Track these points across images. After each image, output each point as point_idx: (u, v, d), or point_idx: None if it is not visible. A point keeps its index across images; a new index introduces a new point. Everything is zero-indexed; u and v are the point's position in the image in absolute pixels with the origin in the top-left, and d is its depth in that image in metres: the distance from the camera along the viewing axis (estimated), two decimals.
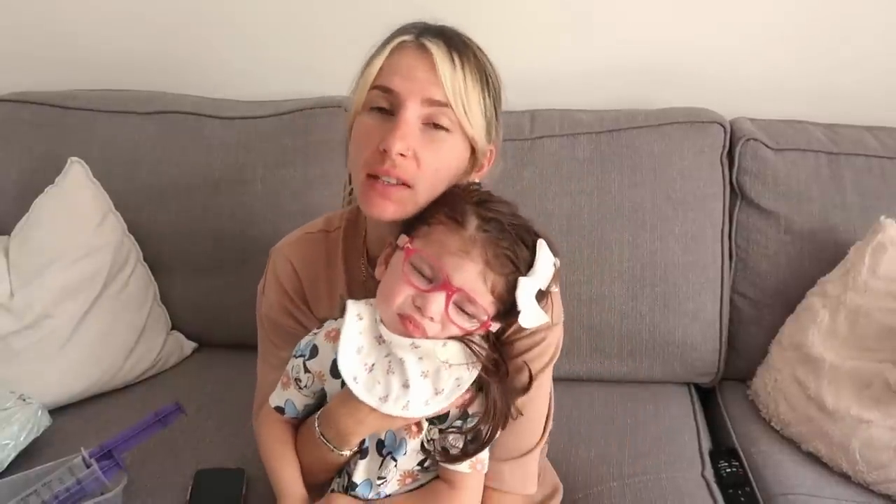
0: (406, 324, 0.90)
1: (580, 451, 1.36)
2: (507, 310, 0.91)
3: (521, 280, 0.89)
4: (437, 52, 0.90)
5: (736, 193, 1.55)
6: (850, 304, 1.38)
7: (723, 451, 1.39)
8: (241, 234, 1.55)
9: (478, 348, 0.92)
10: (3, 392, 1.32)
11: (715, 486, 1.29)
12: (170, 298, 1.62)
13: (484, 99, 0.94)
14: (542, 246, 0.91)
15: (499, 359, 0.94)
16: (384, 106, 0.91)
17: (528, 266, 0.90)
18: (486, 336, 0.95)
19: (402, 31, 0.94)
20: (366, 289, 1.03)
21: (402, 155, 0.89)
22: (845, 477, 1.29)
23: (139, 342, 1.53)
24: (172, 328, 1.63)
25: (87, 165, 1.54)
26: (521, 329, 0.96)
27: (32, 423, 1.29)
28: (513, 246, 0.89)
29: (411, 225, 0.93)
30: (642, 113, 1.57)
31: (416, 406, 0.90)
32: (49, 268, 1.45)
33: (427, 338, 0.90)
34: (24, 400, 1.31)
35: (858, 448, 1.27)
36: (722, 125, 1.54)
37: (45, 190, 1.52)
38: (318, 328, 1.00)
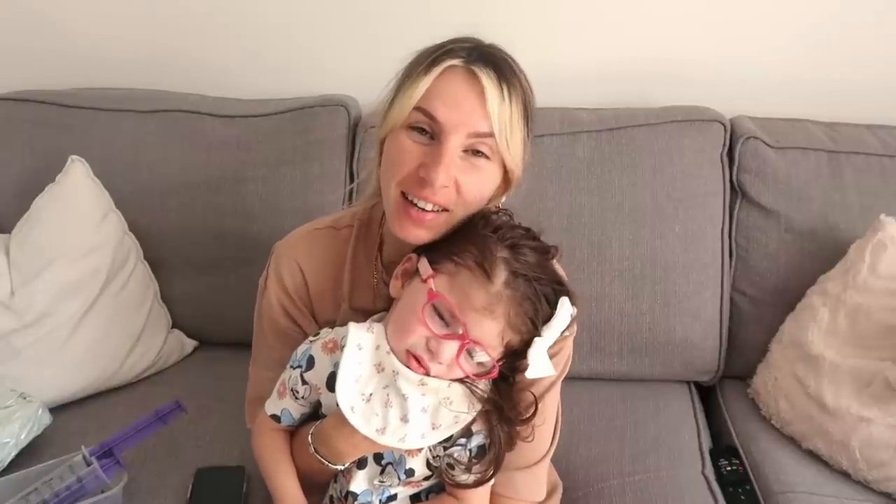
0: (412, 361, 0.90)
1: (580, 449, 1.36)
2: (515, 354, 0.91)
3: (537, 340, 0.89)
4: (488, 82, 0.87)
5: (736, 192, 1.55)
6: (850, 303, 1.38)
7: (723, 450, 1.39)
8: (241, 232, 1.55)
9: (480, 392, 0.92)
10: (3, 390, 1.32)
11: (715, 485, 1.29)
12: (170, 297, 1.62)
13: (526, 129, 0.93)
14: (563, 303, 0.90)
15: (499, 401, 0.93)
16: (425, 129, 0.89)
17: (547, 320, 0.89)
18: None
19: (451, 52, 0.90)
20: (374, 292, 1.03)
21: (445, 187, 0.88)
22: (845, 475, 1.30)
23: (139, 340, 1.53)
24: (173, 326, 1.63)
25: (88, 164, 1.54)
26: None
27: (33, 422, 1.29)
28: (536, 305, 0.88)
29: (435, 247, 0.92)
30: (643, 111, 1.56)
31: (413, 439, 0.90)
32: (49, 266, 1.45)
33: (430, 376, 0.90)
34: (24, 398, 1.32)
35: (858, 446, 1.27)
36: (722, 123, 1.54)
37: (46, 188, 1.52)
38: (314, 336, 0.99)
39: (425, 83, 0.88)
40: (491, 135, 0.88)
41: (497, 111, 0.87)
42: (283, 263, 1.05)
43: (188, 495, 1.22)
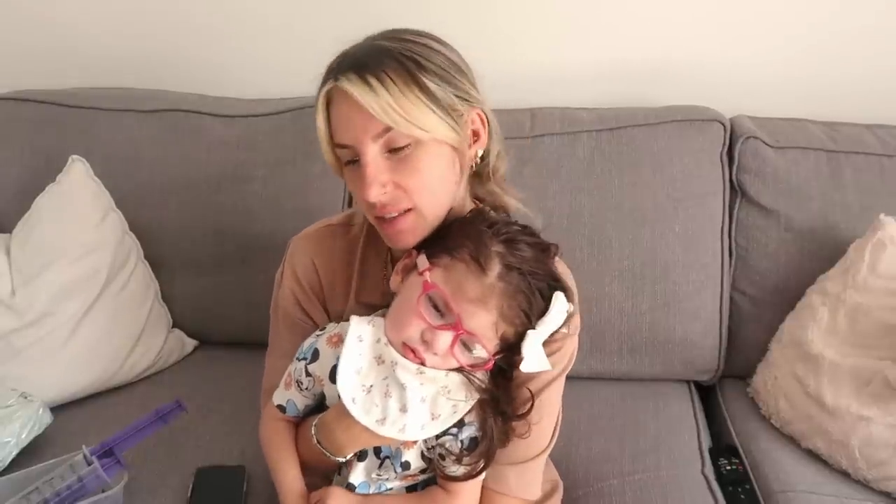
0: (408, 353, 0.91)
1: (580, 448, 1.36)
2: (512, 348, 0.92)
3: (530, 333, 0.90)
4: (352, 87, 0.87)
5: (736, 191, 1.55)
6: (849, 302, 1.38)
7: (723, 449, 1.39)
8: (241, 231, 1.56)
9: (478, 382, 0.93)
10: (4, 390, 1.32)
11: (715, 484, 1.29)
12: (171, 296, 1.62)
13: (425, 92, 0.88)
14: (557, 297, 0.91)
15: (497, 392, 0.94)
16: (350, 158, 0.92)
17: (541, 315, 0.90)
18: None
19: (326, 76, 0.92)
20: (382, 289, 1.04)
21: (383, 194, 0.90)
22: (845, 474, 1.30)
23: (140, 340, 1.53)
24: (173, 326, 1.63)
25: (88, 163, 1.54)
26: None
27: (34, 421, 1.30)
28: (529, 299, 0.89)
29: (433, 242, 0.94)
30: (642, 111, 1.56)
31: (413, 430, 0.91)
32: (50, 266, 1.45)
33: (427, 367, 0.91)
34: (25, 398, 1.32)
35: (858, 445, 1.27)
36: (722, 123, 1.54)
37: (47, 188, 1.52)
38: (321, 330, 1.01)
39: (322, 121, 0.92)
40: (391, 128, 0.88)
41: (375, 105, 0.86)
42: (297, 257, 1.08)
43: (188, 495, 1.22)
